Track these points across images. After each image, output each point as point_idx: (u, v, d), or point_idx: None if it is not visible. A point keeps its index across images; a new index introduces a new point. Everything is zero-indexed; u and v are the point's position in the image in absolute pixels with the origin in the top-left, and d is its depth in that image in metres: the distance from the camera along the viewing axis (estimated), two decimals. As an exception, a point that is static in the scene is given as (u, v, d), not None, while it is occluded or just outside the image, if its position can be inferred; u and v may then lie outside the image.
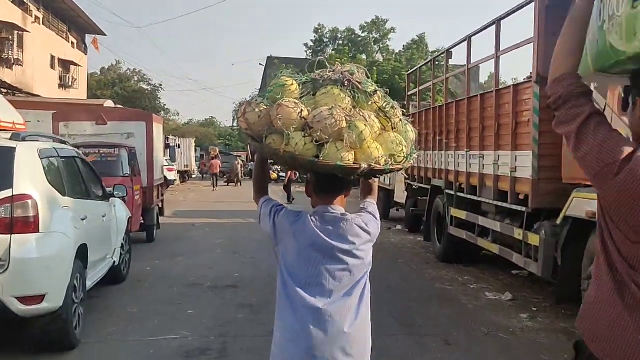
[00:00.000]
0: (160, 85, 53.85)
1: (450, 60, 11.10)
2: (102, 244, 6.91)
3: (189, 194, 26.62)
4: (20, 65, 28.16)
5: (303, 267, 2.48)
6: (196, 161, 44.27)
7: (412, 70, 17.52)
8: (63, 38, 35.35)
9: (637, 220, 1.64)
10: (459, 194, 9.64)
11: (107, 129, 11.30)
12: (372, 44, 43.98)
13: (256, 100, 2.60)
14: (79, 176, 6.61)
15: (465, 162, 9.21)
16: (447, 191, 10.16)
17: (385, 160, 2.46)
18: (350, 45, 42.87)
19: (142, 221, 11.71)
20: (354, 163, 2.41)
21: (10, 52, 27.17)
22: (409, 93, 15.40)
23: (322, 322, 2.41)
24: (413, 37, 43.48)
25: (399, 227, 15.45)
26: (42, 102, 15.86)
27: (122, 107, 23.95)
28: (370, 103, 2.56)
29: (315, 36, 43.41)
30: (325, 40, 43.60)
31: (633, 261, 1.66)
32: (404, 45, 43.35)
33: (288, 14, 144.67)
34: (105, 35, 39.74)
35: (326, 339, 2.40)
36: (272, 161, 2.81)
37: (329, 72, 2.63)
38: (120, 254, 8.00)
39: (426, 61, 16.67)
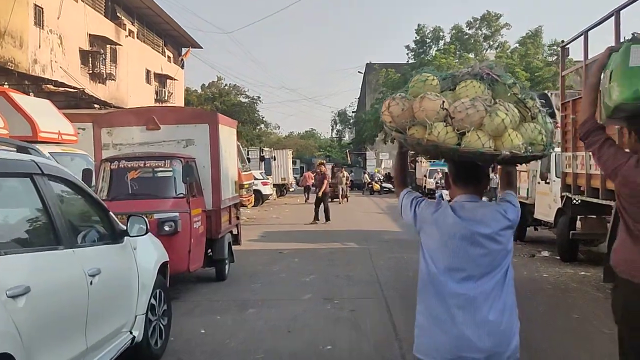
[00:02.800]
0: (259, 97, 52.26)
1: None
2: (95, 321, 3.94)
3: (283, 210, 23.83)
4: (114, 79, 26.95)
5: (445, 253, 2.52)
6: (294, 174, 41.89)
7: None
8: (158, 52, 34.29)
9: (629, 198, 3.06)
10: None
11: (160, 135, 8.53)
12: (482, 40, 39.53)
13: (400, 95, 2.68)
14: (44, 208, 3.66)
15: None
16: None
17: (525, 148, 2.47)
18: (457, 43, 38.72)
19: (211, 253, 8.85)
20: (494, 150, 2.43)
21: (103, 66, 25.96)
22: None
23: (466, 307, 2.44)
24: (528, 31, 38.52)
25: (545, 253, 11.54)
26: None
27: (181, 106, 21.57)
28: (509, 94, 2.59)
29: (416, 37, 39.71)
30: (428, 40, 39.74)
31: (635, 217, 3.02)
32: (518, 40, 38.49)
33: (387, 16, 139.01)
34: (201, 47, 38.60)
35: (472, 324, 2.42)
36: (415, 152, 2.88)
37: (468, 68, 2.70)
38: (149, 321, 5.04)
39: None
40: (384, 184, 36.92)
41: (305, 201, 30.02)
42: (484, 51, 39.79)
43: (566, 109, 9.56)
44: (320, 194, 18.64)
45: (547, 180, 11.85)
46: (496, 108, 2.47)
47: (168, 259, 5.75)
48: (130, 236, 4.77)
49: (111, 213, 4.73)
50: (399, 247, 12.69)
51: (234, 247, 10.04)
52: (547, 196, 11.95)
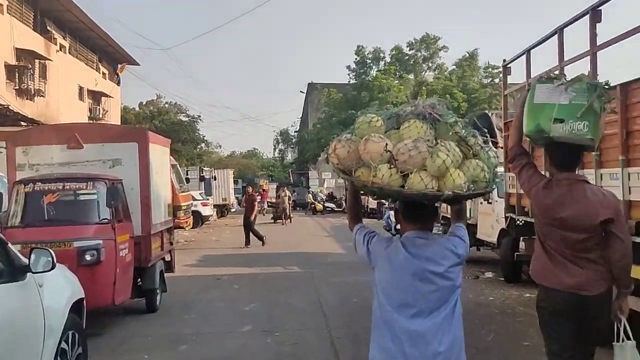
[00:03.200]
0: (199, 116, 51.05)
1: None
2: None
3: (224, 231, 22.97)
4: (43, 96, 25.47)
5: (397, 289, 2.57)
6: (237, 194, 40.99)
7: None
8: (92, 68, 32.87)
9: (540, 217, 3.60)
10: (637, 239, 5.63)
11: (83, 154, 7.77)
12: (421, 62, 40.17)
13: (345, 137, 2.71)
14: None
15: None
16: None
17: (467, 186, 2.50)
18: (397, 64, 39.16)
19: (140, 283, 8.12)
20: (437, 190, 2.47)
21: (31, 82, 24.51)
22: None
23: (416, 343, 2.50)
24: (465, 52, 39.43)
25: (489, 274, 11.36)
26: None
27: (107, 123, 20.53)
28: (450, 133, 2.61)
29: (356, 58, 39.90)
30: (369, 61, 40.01)
31: (545, 233, 3.55)
32: (455, 62, 39.32)
33: (329, 35, 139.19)
34: (138, 64, 37.26)
35: (421, 358, 2.48)
36: (363, 192, 2.85)
37: (411, 107, 2.74)
38: (57, 369, 4.33)
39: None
40: (327, 204, 36.59)
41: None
42: (423, 72, 40.42)
43: (508, 128, 9.42)
44: (252, 217, 17.66)
45: (490, 201, 11.73)
46: (437, 149, 2.51)
47: (83, 295, 5.04)
48: (34, 272, 4.08)
49: (10, 245, 4.03)
50: (342, 270, 12.23)
51: (167, 275, 9.33)
52: (489, 216, 11.82)
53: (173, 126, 47.81)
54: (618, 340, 3.41)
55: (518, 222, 9.34)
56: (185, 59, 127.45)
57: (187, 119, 49.48)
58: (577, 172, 3.72)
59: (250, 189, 19.41)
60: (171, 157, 20.24)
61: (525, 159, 3.71)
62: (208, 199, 26.36)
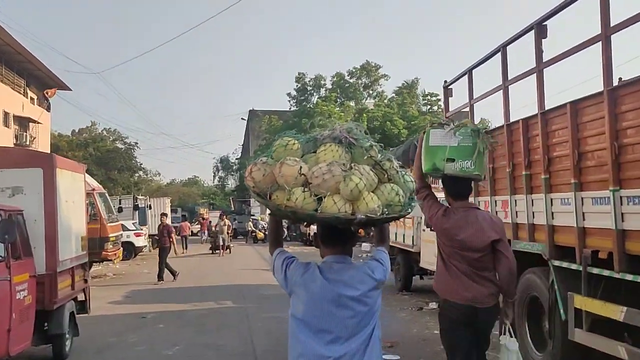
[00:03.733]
0: (136, 143, 49.26)
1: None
2: None
3: (156, 266, 21.61)
4: (-38, 122, 23.65)
5: (313, 315, 2.51)
6: (176, 222, 39.43)
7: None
8: (19, 92, 31.01)
9: (442, 238, 4.22)
10: (592, 269, 5.16)
11: (-24, 181, 6.71)
12: (362, 89, 40.25)
13: (261, 160, 2.67)
14: None
15: (614, 210, 4.77)
16: (559, 263, 5.68)
17: (382, 210, 2.48)
18: (338, 91, 39.06)
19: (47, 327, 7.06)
20: (351, 214, 2.44)
21: (-53, 106, 22.70)
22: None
23: None
24: (403, 81, 39.81)
25: (433, 305, 10.79)
26: None
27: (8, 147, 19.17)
28: (366, 157, 2.61)
29: (297, 85, 39.61)
30: (309, 88, 39.78)
31: (447, 252, 4.12)
32: (394, 90, 39.59)
33: (269, 62, 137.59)
34: (70, 89, 35.54)
35: None
36: (277, 215, 2.80)
37: (329, 130, 2.71)
38: None
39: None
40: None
41: (182, 252, 27.98)
42: (364, 99, 40.47)
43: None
44: (173, 247, 16.70)
45: (432, 228, 11.25)
46: (351, 173, 2.49)
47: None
48: None
49: None
50: (278, 303, 11.35)
51: (86, 315, 8.29)
52: (433, 244, 11.32)
53: (109, 154, 46.04)
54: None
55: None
56: (119, 85, 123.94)
57: (123, 146, 47.63)
58: (469, 200, 4.49)
59: (164, 219, 17.59)
60: (99, 185, 19.06)
61: (426, 191, 4.39)
62: (142, 229, 24.94)
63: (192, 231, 41.74)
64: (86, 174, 18.66)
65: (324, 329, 2.49)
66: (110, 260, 17.13)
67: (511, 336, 4.09)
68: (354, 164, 2.56)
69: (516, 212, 6.65)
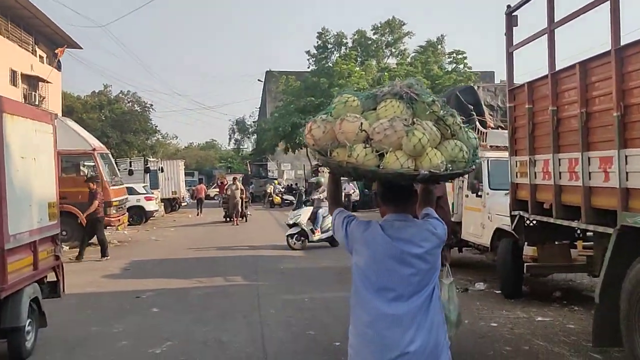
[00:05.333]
0: (151, 105, 47.32)
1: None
2: None
3: (168, 230, 20.01)
4: (-37, 79, 21.95)
5: (375, 273, 2.48)
6: (191, 186, 37.92)
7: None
8: (28, 50, 29.22)
9: None
10: None
11: None
12: (384, 48, 37.70)
13: (321, 118, 2.63)
14: None
15: None
16: None
17: (445, 166, 2.42)
18: (359, 49, 36.59)
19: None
20: (414, 170, 2.38)
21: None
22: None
23: (394, 326, 2.40)
24: (429, 38, 37.13)
25: (480, 285, 8.91)
26: None
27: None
28: (428, 113, 2.52)
29: (318, 42, 37.17)
30: (330, 46, 37.34)
31: None
32: (419, 47, 36.97)
33: (288, 20, 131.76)
34: (80, 48, 33.65)
35: (400, 344, 2.37)
36: (338, 173, 2.76)
37: (389, 87, 2.64)
38: None
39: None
40: (286, 196, 33.90)
41: (197, 215, 26.40)
42: (386, 58, 37.98)
43: (515, 97, 6.96)
44: (85, 218, 12.74)
45: (479, 193, 9.30)
46: (414, 128, 2.41)
47: None
48: None
49: None
50: (298, 280, 9.62)
51: (70, 293, 6.69)
52: (479, 213, 9.38)
53: (124, 116, 44.23)
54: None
55: (529, 222, 6.94)
56: (131, 43, 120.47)
57: (138, 108, 45.81)
58: None
59: (92, 185, 12.94)
60: (101, 144, 17.33)
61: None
62: (153, 193, 23.31)
63: (209, 194, 40.24)
64: (87, 132, 17.02)
65: (386, 287, 2.44)
66: (114, 226, 15.42)
67: (447, 276, 4.68)
68: (416, 119, 2.47)
69: (626, 172, 4.67)
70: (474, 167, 2.56)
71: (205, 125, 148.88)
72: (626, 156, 4.61)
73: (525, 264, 7.14)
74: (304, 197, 16.77)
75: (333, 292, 8.47)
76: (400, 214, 2.56)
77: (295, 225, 13.62)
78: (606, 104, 4.92)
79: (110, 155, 16.71)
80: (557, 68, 5.88)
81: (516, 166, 6.94)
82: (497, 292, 8.43)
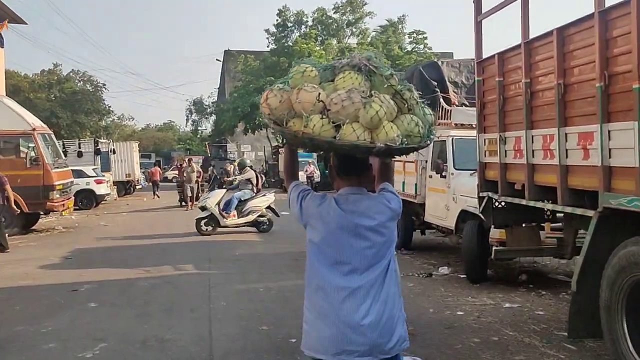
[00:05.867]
0: (104, 84, 45.33)
1: None
2: None
3: (119, 215, 19.02)
4: None
5: (330, 247, 2.46)
6: (147, 168, 36.58)
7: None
8: (-35, 24, 27.24)
9: None
10: None
11: None
12: (345, 27, 36.98)
13: (277, 87, 2.57)
14: None
15: None
16: None
17: (401, 140, 2.41)
18: (319, 28, 35.78)
19: None
20: (370, 142, 2.36)
21: None
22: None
23: (349, 300, 2.40)
24: (387, 19, 36.60)
25: (444, 270, 8.50)
26: None
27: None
28: (386, 86, 2.50)
29: (278, 20, 36.17)
30: (290, 24, 36.39)
31: None
32: (380, 26, 36.42)
33: (246, 2, 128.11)
34: (25, 23, 31.63)
35: (355, 317, 2.38)
36: (293, 144, 2.69)
37: (347, 58, 2.60)
38: None
39: None
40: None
41: (153, 198, 25.36)
42: (346, 38, 37.28)
43: (484, 70, 6.46)
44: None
45: (443, 173, 8.85)
46: (371, 100, 2.40)
47: None
48: None
49: None
50: (253, 268, 9.01)
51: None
52: (443, 194, 8.94)
53: (74, 95, 42.21)
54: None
55: (496, 203, 6.50)
56: (81, 22, 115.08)
57: (91, 87, 43.83)
58: None
59: None
60: (42, 124, 16.19)
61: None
62: (104, 176, 22.18)
63: (166, 177, 38.91)
64: (27, 111, 15.84)
65: (341, 261, 2.43)
66: (57, 211, 14.42)
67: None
68: (374, 92, 2.45)
69: (609, 148, 4.21)
70: (428, 142, 2.55)
71: (162, 107, 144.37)
72: (609, 131, 4.15)
73: (493, 248, 6.70)
74: (219, 178, 16.11)
75: (289, 280, 7.91)
76: (355, 187, 2.55)
77: (205, 208, 12.94)
78: (587, 74, 4.44)
79: (53, 136, 15.58)
80: (531, 36, 5.37)
81: (485, 144, 6.46)
82: (461, 276, 8.04)
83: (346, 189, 2.56)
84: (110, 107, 45.70)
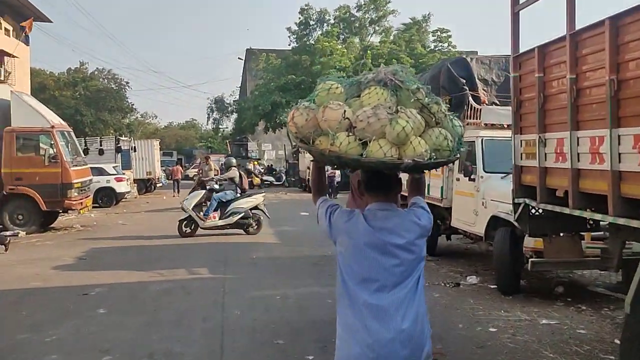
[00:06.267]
0: (127, 83, 45.41)
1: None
2: None
3: (138, 214, 18.71)
4: None
5: (358, 263, 2.41)
6: (168, 166, 36.49)
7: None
8: (-9, 22, 27.43)
9: None
10: None
11: None
12: (368, 25, 36.39)
13: (303, 105, 2.54)
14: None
15: None
16: None
17: (429, 155, 2.35)
18: (342, 26, 35.27)
19: None
20: (397, 159, 2.32)
21: None
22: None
23: (379, 317, 2.33)
24: (414, 17, 35.92)
25: (472, 279, 7.96)
26: None
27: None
28: (413, 100, 2.45)
29: (300, 18, 35.75)
30: (312, 22, 35.94)
31: None
32: (403, 24, 35.77)
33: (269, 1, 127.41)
34: (50, 21, 31.77)
35: (385, 334, 2.30)
36: (320, 162, 2.65)
37: (373, 73, 2.56)
38: None
39: None
40: (265, 177, 32.80)
41: (173, 196, 25.10)
42: (369, 36, 36.70)
43: (521, 65, 5.90)
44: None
45: (472, 176, 8.31)
46: (397, 116, 2.34)
47: None
48: None
49: None
50: (270, 273, 8.58)
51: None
52: (471, 198, 8.40)
53: (99, 93, 42.40)
54: None
55: (535, 211, 5.95)
56: (105, 19, 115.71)
57: (115, 85, 43.95)
58: None
59: None
60: (62, 121, 15.99)
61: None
62: (124, 174, 21.99)
63: (187, 175, 38.72)
64: (46, 108, 15.65)
65: (369, 278, 2.37)
66: (75, 209, 14.18)
67: None
68: (400, 107, 2.41)
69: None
70: (458, 155, 2.51)
71: (185, 105, 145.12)
72: (674, 133, 3.60)
73: (530, 261, 6.13)
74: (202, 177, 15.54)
75: (307, 286, 7.44)
76: (384, 202, 2.49)
77: (184, 210, 12.52)
78: (647, 68, 3.88)
79: (72, 134, 15.36)
80: (578, 27, 4.82)
81: (521, 146, 5.90)
82: (491, 286, 7.50)
83: (375, 205, 2.50)
84: (133, 105, 45.82)
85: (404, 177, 2.62)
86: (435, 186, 9.54)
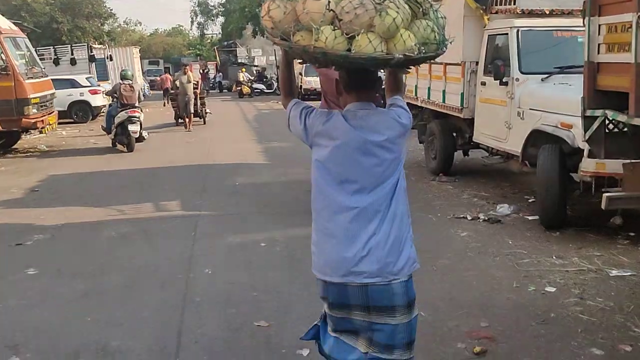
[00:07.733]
0: (103, -16, 41.54)
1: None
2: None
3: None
4: None
5: (337, 165, 2.22)
6: (153, 76, 34.00)
7: None
8: None
9: None
10: None
11: None
12: None
13: None
14: None
15: None
16: None
17: (419, 49, 2.09)
18: None
19: None
20: (387, 53, 2.05)
21: None
22: None
23: (357, 220, 2.18)
24: None
25: (504, 209, 6.34)
26: None
27: None
28: None
29: None
30: None
31: None
32: None
33: None
34: None
35: (362, 237, 2.17)
36: (301, 60, 2.28)
37: None
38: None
39: None
40: (256, 85, 30.51)
41: (164, 105, 23.09)
42: None
43: None
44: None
45: (504, 79, 6.46)
46: (386, 6, 2.04)
47: None
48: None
49: None
50: (255, 205, 6.94)
51: None
52: (502, 107, 6.60)
53: (74, -1, 38.75)
54: None
55: (613, 126, 4.19)
56: None
57: (90, -12, 40.10)
58: None
59: None
60: (13, 26, 13.68)
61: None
62: (100, 85, 19.79)
63: (176, 84, 36.26)
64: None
65: (349, 179, 2.20)
66: (36, 129, 12.27)
67: None
68: None
69: None
70: (444, 49, 2.18)
71: (170, 10, 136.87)
72: None
73: (604, 195, 4.41)
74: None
75: (300, 226, 5.68)
76: (364, 102, 2.26)
77: None
78: None
79: (27, 41, 13.12)
80: None
81: (600, 34, 4.01)
82: (529, 218, 5.91)
83: (355, 105, 2.25)
84: (112, 10, 42.18)
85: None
86: (453, 92, 7.68)
